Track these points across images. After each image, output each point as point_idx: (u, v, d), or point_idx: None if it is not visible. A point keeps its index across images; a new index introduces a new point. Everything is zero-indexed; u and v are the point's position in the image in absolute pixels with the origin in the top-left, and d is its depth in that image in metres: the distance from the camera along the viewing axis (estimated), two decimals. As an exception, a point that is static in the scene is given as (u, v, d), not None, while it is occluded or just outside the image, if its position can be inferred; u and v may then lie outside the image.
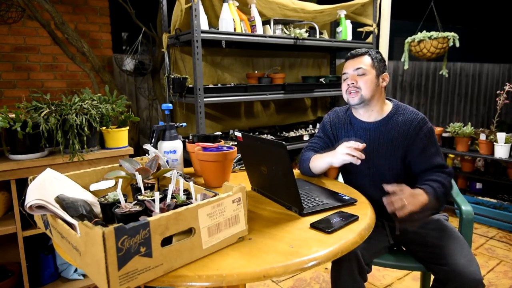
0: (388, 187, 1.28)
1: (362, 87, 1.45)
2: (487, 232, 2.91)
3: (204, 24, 2.38)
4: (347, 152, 1.34)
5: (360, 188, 1.42)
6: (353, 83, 1.46)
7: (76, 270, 2.02)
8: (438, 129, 3.29)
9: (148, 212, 0.93)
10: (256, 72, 3.13)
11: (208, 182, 1.39)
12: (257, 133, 2.97)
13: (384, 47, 3.36)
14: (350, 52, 1.53)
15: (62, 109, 1.69)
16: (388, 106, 1.53)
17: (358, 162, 1.33)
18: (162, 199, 0.97)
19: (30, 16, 2.59)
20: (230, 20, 2.47)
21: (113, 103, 1.90)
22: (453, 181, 1.84)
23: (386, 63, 1.58)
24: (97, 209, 1.04)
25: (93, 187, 1.13)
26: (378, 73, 1.47)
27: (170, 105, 1.54)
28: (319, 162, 1.48)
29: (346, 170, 1.61)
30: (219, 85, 2.85)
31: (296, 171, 1.62)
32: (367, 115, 1.52)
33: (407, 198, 1.24)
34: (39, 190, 0.92)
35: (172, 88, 2.58)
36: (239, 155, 1.57)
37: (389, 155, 1.47)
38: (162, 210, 0.91)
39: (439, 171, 1.43)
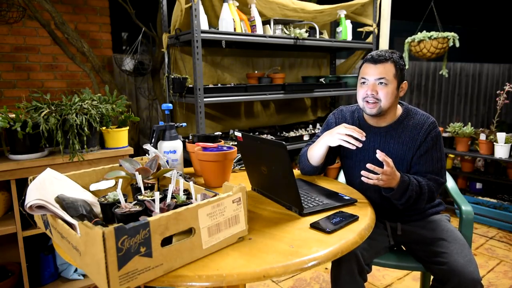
0: (380, 157, 1.26)
1: (382, 98, 1.37)
2: (487, 232, 2.91)
3: (204, 24, 2.38)
4: (346, 133, 1.33)
5: (363, 190, 1.40)
6: (373, 94, 1.37)
7: (76, 270, 2.02)
8: (438, 129, 3.28)
9: (148, 212, 0.93)
10: (256, 72, 3.13)
11: (208, 182, 1.39)
12: (257, 133, 2.97)
13: (384, 47, 3.36)
14: (371, 54, 1.41)
15: (62, 109, 1.69)
16: (399, 110, 1.48)
17: (354, 147, 1.33)
18: (162, 199, 0.97)
19: (30, 16, 2.59)
20: (230, 20, 2.47)
21: (113, 103, 1.90)
22: (453, 181, 1.85)
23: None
24: (97, 209, 1.04)
25: (93, 187, 1.13)
26: (399, 83, 1.40)
27: (170, 105, 1.54)
28: (317, 146, 1.45)
29: (349, 172, 1.58)
30: (219, 85, 2.85)
31: (296, 171, 1.62)
32: (379, 121, 1.48)
33: (384, 178, 1.26)
34: (39, 190, 0.92)
35: (172, 88, 2.58)
36: (239, 155, 1.57)
37: (399, 160, 1.44)
38: (162, 210, 0.91)
39: (432, 178, 1.40)
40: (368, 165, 1.26)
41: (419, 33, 3.30)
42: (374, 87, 1.38)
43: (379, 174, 1.26)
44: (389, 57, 1.38)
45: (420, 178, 1.38)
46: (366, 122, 1.51)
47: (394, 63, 1.38)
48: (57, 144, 1.68)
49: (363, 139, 1.32)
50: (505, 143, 2.81)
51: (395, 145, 1.45)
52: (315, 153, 1.47)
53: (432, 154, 1.41)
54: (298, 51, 3.49)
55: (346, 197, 1.26)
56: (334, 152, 1.59)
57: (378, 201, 1.48)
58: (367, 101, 1.40)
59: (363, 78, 1.42)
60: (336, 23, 3.25)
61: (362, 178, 1.27)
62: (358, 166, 1.51)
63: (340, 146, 1.57)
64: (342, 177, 1.75)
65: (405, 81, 1.44)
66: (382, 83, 1.37)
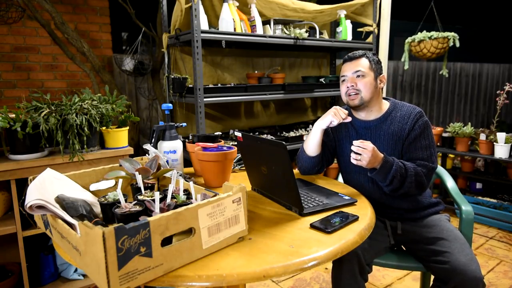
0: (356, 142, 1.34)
1: (361, 89, 1.47)
2: (487, 232, 2.91)
3: (204, 24, 2.38)
4: (334, 112, 1.45)
5: (360, 187, 1.42)
6: (352, 86, 1.48)
7: (76, 270, 2.02)
8: (438, 129, 3.29)
9: (148, 212, 0.93)
10: (256, 72, 3.13)
11: (208, 182, 1.39)
12: (257, 133, 2.96)
13: (384, 47, 3.36)
14: (348, 54, 1.54)
15: (62, 109, 1.69)
16: (386, 105, 1.56)
17: (340, 120, 1.45)
18: (162, 199, 0.97)
19: (30, 16, 2.59)
20: (230, 20, 2.47)
21: (113, 103, 1.90)
22: (453, 181, 1.84)
23: (386, 63, 1.58)
24: (97, 209, 1.04)
25: (93, 187, 1.13)
26: (376, 75, 1.50)
27: (170, 105, 1.54)
28: (311, 134, 1.52)
29: (346, 170, 1.61)
30: (219, 85, 2.85)
31: (296, 171, 1.62)
32: (367, 115, 1.55)
33: (367, 156, 1.31)
34: (39, 190, 0.92)
35: (172, 88, 2.58)
36: (239, 155, 1.57)
37: (391, 151, 1.49)
38: (162, 210, 0.91)
39: (421, 164, 1.42)
40: (353, 146, 1.33)
41: (419, 33, 3.29)
42: (353, 80, 1.49)
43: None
44: (362, 54, 1.51)
45: (407, 162, 1.41)
46: (356, 118, 1.58)
47: (368, 58, 1.51)
48: (57, 144, 1.68)
49: (348, 119, 1.47)
50: (505, 143, 2.81)
51: (385, 137, 1.51)
52: (310, 142, 1.52)
53: (420, 141, 1.45)
54: (298, 51, 3.49)
55: (346, 197, 1.26)
56: (331, 151, 1.62)
57: (379, 198, 1.49)
58: (349, 94, 1.50)
59: (342, 76, 1.54)
60: (336, 23, 3.25)
61: (352, 160, 1.34)
62: (353, 163, 1.53)
63: (336, 145, 1.60)
64: (342, 178, 1.75)
65: (383, 74, 1.54)
66: (359, 75, 1.48)
